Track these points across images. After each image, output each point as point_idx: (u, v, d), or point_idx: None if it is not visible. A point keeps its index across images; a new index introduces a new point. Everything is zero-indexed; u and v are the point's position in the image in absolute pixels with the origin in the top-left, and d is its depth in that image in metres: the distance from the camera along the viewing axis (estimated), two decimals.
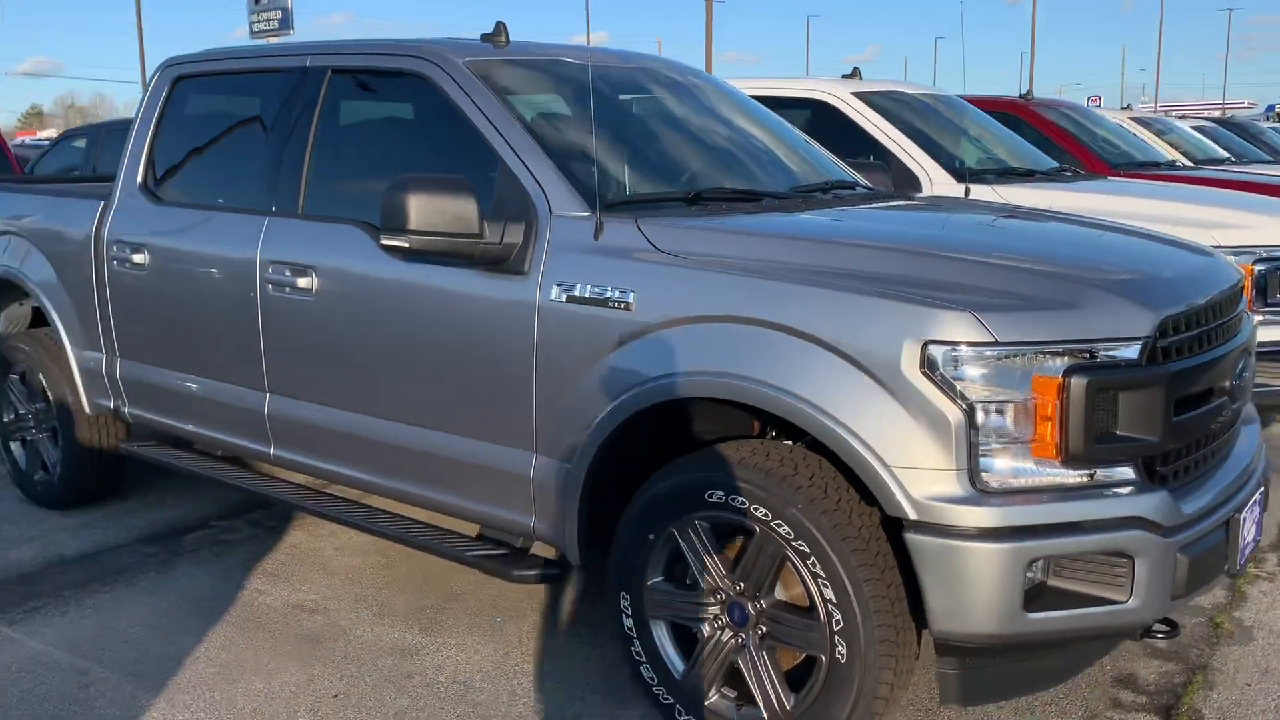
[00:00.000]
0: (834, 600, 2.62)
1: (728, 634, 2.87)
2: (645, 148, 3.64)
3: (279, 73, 3.92)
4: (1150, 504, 2.57)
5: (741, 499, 2.72)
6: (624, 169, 3.44)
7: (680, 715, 2.96)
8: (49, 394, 4.74)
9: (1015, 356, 2.48)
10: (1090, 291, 2.61)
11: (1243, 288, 3.29)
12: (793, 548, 2.66)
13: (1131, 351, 2.56)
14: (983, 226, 3.45)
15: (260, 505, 4.85)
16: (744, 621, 2.83)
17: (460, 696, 3.28)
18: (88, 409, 4.59)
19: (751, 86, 5.92)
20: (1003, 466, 2.51)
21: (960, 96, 6.93)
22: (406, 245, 3.02)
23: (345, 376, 3.59)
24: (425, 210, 2.98)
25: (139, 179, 4.29)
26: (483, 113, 3.30)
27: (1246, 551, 2.99)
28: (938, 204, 3.79)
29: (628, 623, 3.02)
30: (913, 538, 2.52)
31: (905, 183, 5.36)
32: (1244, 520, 2.91)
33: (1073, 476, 2.54)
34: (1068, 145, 7.53)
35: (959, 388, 2.48)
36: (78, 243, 4.42)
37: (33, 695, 3.31)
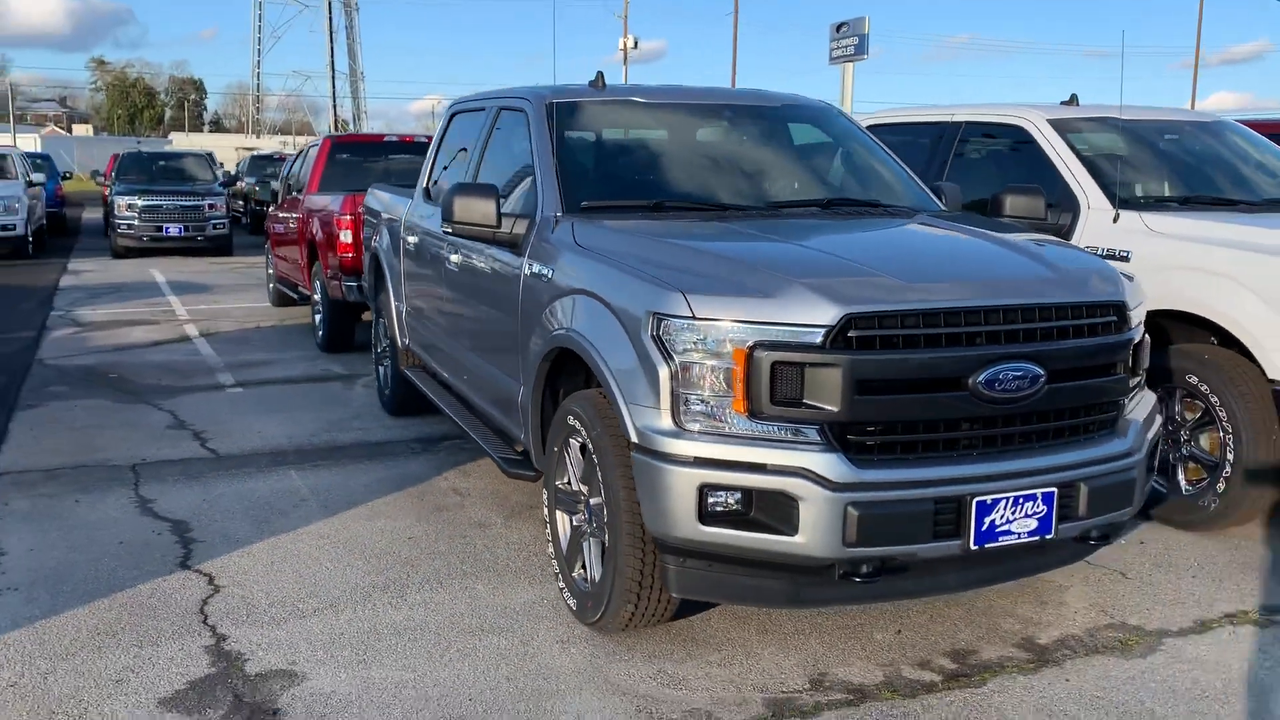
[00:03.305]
0: (605, 501, 3.57)
1: (583, 524, 3.89)
2: (658, 166, 4.66)
3: (481, 110, 5.52)
4: (821, 461, 3.17)
5: (578, 423, 3.75)
6: (622, 182, 4.52)
7: (558, 579, 4.03)
8: (389, 331, 6.83)
9: (712, 330, 3.24)
10: (790, 285, 3.25)
11: (1096, 307, 3.50)
12: (593, 461, 3.65)
13: (815, 336, 3.18)
14: (826, 233, 4.05)
15: None
16: (590, 516, 3.84)
17: (477, 554, 4.61)
18: (399, 342, 6.59)
19: (959, 113, 6.38)
20: (700, 412, 3.28)
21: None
22: (451, 230, 4.42)
23: (462, 323, 5.10)
24: (462, 208, 4.35)
25: (423, 184, 6.16)
26: (536, 139, 4.59)
27: (1004, 539, 3.32)
28: (856, 218, 4.34)
29: (545, 511, 4.15)
30: (633, 455, 3.39)
31: (1067, 207, 5.51)
32: (989, 506, 3.26)
33: (757, 428, 3.23)
34: None
35: (670, 349, 3.30)
36: (395, 225, 6.42)
37: (268, 504, 5.25)
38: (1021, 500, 3.33)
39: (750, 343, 3.20)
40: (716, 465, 3.24)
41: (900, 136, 6.93)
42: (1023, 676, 3.56)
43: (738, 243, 3.82)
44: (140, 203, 18.12)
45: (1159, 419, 3.93)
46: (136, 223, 18.12)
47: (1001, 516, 3.31)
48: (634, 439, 3.38)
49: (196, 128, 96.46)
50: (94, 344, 9.90)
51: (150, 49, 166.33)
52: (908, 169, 5.04)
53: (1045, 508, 3.37)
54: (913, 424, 3.26)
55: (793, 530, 3.19)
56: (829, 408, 3.18)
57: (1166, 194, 5.57)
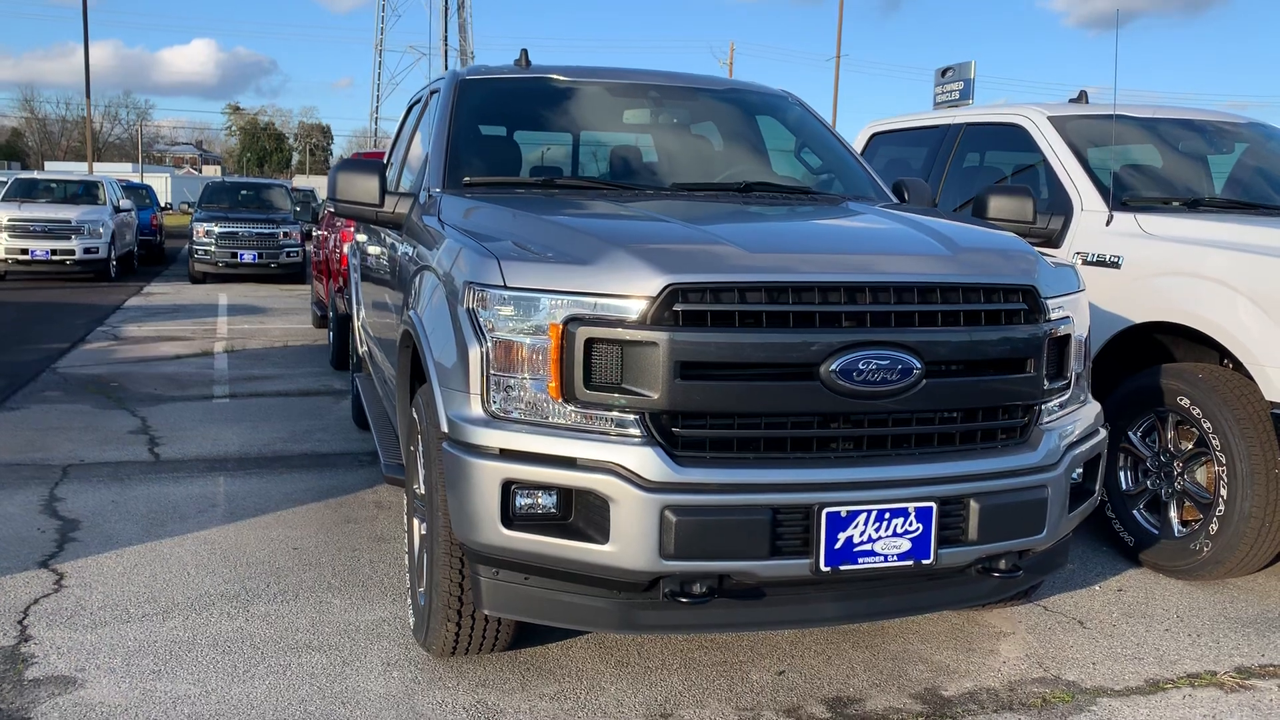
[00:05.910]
0: (427, 502, 3.13)
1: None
2: (560, 144, 4.25)
3: (420, 103, 5.19)
4: (635, 456, 2.67)
5: (418, 417, 3.32)
6: (515, 160, 4.12)
7: (409, 580, 3.59)
8: (354, 340, 6.52)
9: (526, 301, 2.79)
10: (610, 251, 2.77)
11: (996, 290, 2.93)
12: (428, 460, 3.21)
13: (633, 309, 2.69)
14: (708, 211, 3.54)
15: None
16: None
17: (356, 568, 4.20)
18: (359, 350, 6.28)
19: (960, 115, 5.82)
20: (513, 396, 2.81)
21: None
22: (335, 210, 4.07)
23: (376, 316, 4.74)
24: (345, 184, 4.00)
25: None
26: (439, 116, 4.23)
27: (865, 561, 2.76)
28: (767, 204, 3.80)
29: (405, 519, 3.72)
30: (443, 447, 2.94)
31: (1060, 209, 4.89)
32: (843, 520, 2.72)
33: (573, 417, 2.75)
34: None
35: (483, 324, 2.86)
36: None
37: (173, 508, 4.94)
38: (888, 515, 2.76)
39: (565, 316, 2.74)
40: (524, 459, 2.76)
41: (904, 142, 6.41)
42: None
43: (593, 217, 3.36)
44: (217, 229, 18.44)
45: (1101, 434, 3.30)
46: (213, 249, 18.43)
47: (861, 533, 2.75)
48: (444, 428, 2.94)
49: (321, 170, 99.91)
50: (117, 357, 9.89)
51: (286, 97, 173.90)
52: (867, 166, 4.50)
53: (921, 526, 2.79)
54: (752, 417, 2.74)
55: (603, 537, 2.70)
56: (648, 394, 2.68)
57: (1175, 196, 4.89)
